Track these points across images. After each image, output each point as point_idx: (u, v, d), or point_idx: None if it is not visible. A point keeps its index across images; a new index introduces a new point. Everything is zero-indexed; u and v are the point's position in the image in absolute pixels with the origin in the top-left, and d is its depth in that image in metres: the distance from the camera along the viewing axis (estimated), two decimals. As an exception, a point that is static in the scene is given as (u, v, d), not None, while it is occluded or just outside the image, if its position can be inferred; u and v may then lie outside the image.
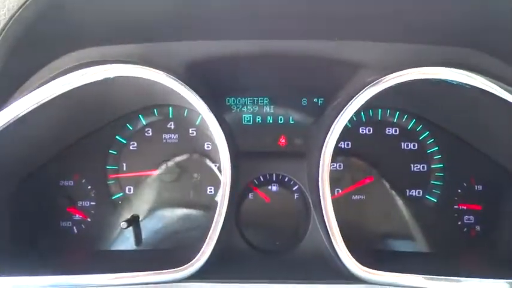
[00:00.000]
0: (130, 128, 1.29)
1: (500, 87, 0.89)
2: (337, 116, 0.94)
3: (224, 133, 0.96)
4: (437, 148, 1.28)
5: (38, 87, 0.95)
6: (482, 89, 0.91)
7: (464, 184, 1.27)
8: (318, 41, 1.02)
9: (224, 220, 0.94)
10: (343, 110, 0.93)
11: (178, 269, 0.89)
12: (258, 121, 1.33)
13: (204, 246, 0.91)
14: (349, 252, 0.92)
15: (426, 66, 0.92)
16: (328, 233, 0.94)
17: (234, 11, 0.87)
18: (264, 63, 1.12)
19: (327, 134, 0.95)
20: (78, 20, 0.92)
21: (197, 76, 1.02)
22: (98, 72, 0.92)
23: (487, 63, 0.95)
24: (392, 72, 0.90)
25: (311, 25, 0.96)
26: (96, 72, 0.91)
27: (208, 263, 0.92)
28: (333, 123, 0.94)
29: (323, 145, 0.95)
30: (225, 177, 0.95)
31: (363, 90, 0.91)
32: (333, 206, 1.21)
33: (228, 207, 0.97)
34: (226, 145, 0.96)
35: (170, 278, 0.88)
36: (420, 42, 0.97)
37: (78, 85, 0.94)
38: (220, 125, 0.96)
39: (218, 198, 0.96)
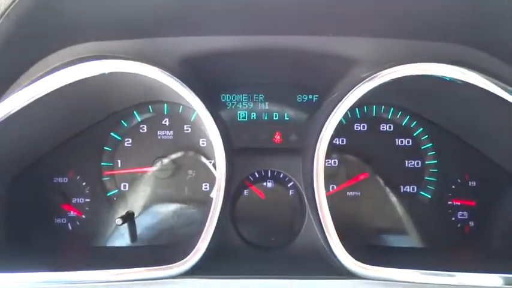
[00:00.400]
0: (125, 125, 1.29)
1: (494, 84, 0.90)
2: (332, 112, 0.94)
3: (219, 129, 0.95)
4: (431, 144, 1.29)
5: (32, 83, 0.94)
6: (477, 86, 0.92)
7: (458, 180, 1.28)
8: (313, 37, 1.02)
9: (219, 216, 0.94)
10: (338, 106, 0.93)
11: (173, 265, 0.89)
12: (253, 118, 1.33)
13: (198, 243, 0.91)
14: (344, 248, 0.92)
15: (421, 62, 0.92)
16: (323, 229, 0.94)
17: (229, 7, 0.87)
18: (259, 59, 1.12)
19: (321, 130, 0.95)
20: (73, 15, 0.91)
21: (192, 72, 1.02)
22: (93, 68, 0.92)
23: (483, 61, 0.95)
24: (387, 68, 0.91)
25: (306, 21, 0.96)
26: (90, 67, 0.91)
27: (203, 259, 0.93)
28: (327, 119, 0.94)
29: (317, 141, 0.95)
30: (220, 173, 0.95)
31: (358, 86, 0.91)
32: (328, 202, 1.22)
33: (222, 203, 0.97)
34: (221, 141, 0.95)
35: (165, 274, 0.88)
36: (416, 38, 0.97)
37: (73, 81, 0.94)
38: (215, 121, 0.95)
39: (213, 194, 0.96)
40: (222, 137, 0.96)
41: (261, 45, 1.02)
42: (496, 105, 0.95)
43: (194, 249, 0.90)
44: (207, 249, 0.92)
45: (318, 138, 0.95)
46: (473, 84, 0.90)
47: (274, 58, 1.12)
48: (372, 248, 1.17)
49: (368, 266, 0.90)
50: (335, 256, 0.91)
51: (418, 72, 0.90)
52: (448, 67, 0.89)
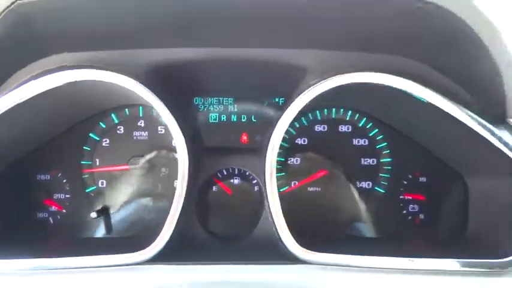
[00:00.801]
0: (103, 126, 1.39)
1: (432, 92, 1.01)
2: (280, 117, 1.06)
3: (182, 130, 1.06)
4: (385, 144, 1.40)
5: (14, 89, 1.04)
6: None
7: (410, 176, 1.39)
8: (270, 49, 1.13)
9: (182, 209, 1.05)
10: (285, 111, 1.05)
11: (138, 252, 0.99)
12: (223, 119, 1.43)
13: (161, 232, 1.02)
14: (293, 236, 1.03)
15: (362, 71, 1.03)
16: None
17: (188, 22, 0.98)
18: (221, 68, 1.23)
19: (272, 132, 1.06)
20: (51, 32, 1.02)
21: (161, 79, 1.13)
22: (60, 77, 1.02)
23: (415, 69, 1.06)
24: (327, 78, 1.02)
25: (262, 35, 1.07)
26: (60, 76, 1.02)
27: (167, 247, 1.03)
28: (276, 123, 1.06)
29: (269, 141, 1.06)
30: (182, 170, 1.06)
31: (302, 93, 1.03)
32: (290, 197, 1.34)
33: (187, 198, 1.08)
34: (183, 141, 1.06)
35: (130, 260, 0.99)
36: (359, 50, 1.08)
37: (51, 87, 1.04)
38: (178, 123, 1.06)
39: (177, 189, 1.06)
40: (185, 137, 1.06)
41: (221, 57, 1.13)
42: (432, 110, 1.06)
43: (158, 238, 1.01)
44: (171, 238, 1.03)
45: (270, 139, 1.06)
46: (404, 90, 1.01)
47: (237, 68, 1.23)
48: (327, 238, 1.28)
49: (312, 251, 1.01)
50: (283, 243, 1.02)
51: (354, 80, 1.01)
52: (382, 76, 1.00)
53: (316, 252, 1.01)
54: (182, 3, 0.90)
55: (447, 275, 1.05)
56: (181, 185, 1.04)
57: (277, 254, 1.07)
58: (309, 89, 1.03)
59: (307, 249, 1.03)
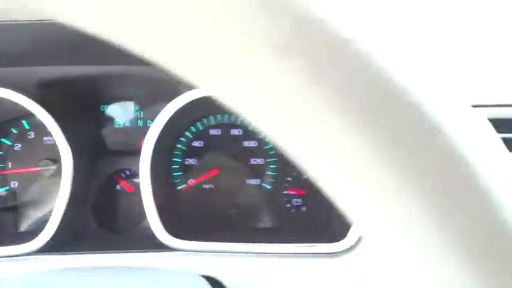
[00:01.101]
0: (15, 132, 1.53)
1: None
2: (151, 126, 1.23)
3: (65, 136, 1.21)
4: (272, 145, 1.58)
5: None
6: None
7: (294, 173, 1.58)
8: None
9: (68, 206, 1.20)
10: (154, 121, 1.22)
11: (23, 244, 1.14)
12: (129, 125, 1.59)
13: (45, 227, 1.17)
14: (164, 225, 1.20)
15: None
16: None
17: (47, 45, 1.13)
18: (115, 81, 1.38)
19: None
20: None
21: (49, 92, 1.28)
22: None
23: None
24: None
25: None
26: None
27: (54, 240, 1.18)
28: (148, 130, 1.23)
29: (142, 145, 1.23)
30: (66, 170, 1.21)
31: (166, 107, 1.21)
32: (187, 194, 1.50)
33: (76, 196, 1.24)
34: (67, 147, 1.21)
35: (18, 251, 1.14)
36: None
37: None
38: (61, 127, 1.20)
39: (62, 185, 1.21)
40: (70, 144, 1.22)
41: (110, 73, 1.29)
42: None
43: (42, 232, 1.16)
44: (56, 231, 1.18)
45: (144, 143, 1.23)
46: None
47: (129, 82, 1.39)
48: (213, 228, 1.45)
49: (178, 239, 1.18)
50: (152, 231, 1.19)
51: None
52: None
53: (181, 240, 1.18)
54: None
55: (300, 257, 1.24)
56: (64, 186, 1.20)
57: (153, 243, 1.24)
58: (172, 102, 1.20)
59: (182, 238, 1.20)
